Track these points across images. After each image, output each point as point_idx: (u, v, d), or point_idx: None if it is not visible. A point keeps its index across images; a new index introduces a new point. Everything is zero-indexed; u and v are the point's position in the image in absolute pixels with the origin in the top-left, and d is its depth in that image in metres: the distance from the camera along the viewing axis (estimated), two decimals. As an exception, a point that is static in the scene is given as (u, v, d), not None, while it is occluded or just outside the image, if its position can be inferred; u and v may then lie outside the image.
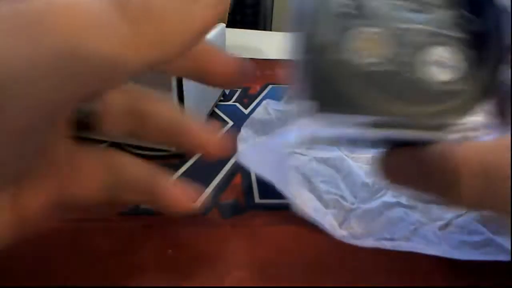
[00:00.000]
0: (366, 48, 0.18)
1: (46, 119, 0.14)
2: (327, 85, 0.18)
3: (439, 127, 0.18)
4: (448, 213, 0.24)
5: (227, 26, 0.37)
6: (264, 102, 0.33)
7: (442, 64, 0.19)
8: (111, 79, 0.14)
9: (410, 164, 0.19)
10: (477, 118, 0.19)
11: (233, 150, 0.27)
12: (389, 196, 0.25)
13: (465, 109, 0.18)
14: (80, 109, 0.19)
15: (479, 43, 0.19)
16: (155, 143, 0.20)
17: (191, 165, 0.28)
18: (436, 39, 0.19)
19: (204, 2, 0.14)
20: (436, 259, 0.21)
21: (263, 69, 0.45)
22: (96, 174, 0.19)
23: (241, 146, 0.27)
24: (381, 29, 0.18)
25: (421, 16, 0.19)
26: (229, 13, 0.47)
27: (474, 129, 0.18)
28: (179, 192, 0.19)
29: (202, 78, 0.20)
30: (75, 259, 0.20)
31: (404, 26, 0.19)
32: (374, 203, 0.25)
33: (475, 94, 0.18)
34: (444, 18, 0.19)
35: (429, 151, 0.18)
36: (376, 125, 0.18)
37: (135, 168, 0.19)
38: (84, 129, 0.19)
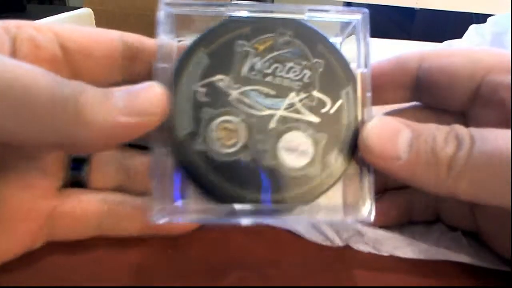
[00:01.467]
0: (223, 137, 0.19)
1: None
2: (188, 176, 0.19)
3: (293, 210, 0.19)
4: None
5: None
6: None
7: (295, 149, 0.19)
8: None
9: None
10: (335, 200, 0.20)
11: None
12: None
13: (315, 193, 0.19)
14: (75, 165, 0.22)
15: (329, 124, 0.19)
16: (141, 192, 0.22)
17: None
18: (289, 124, 0.19)
19: (128, 111, 0.16)
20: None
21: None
22: (91, 209, 0.21)
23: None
24: (238, 117, 0.19)
25: (276, 101, 0.19)
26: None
27: (332, 210, 0.19)
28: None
29: None
30: (73, 259, 0.20)
31: (260, 113, 0.19)
32: None
33: (325, 178, 0.19)
34: (298, 102, 0.19)
35: None
36: (238, 213, 0.18)
37: (126, 205, 0.21)
38: (76, 181, 0.21)
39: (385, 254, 0.22)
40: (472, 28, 0.38)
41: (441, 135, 0.17)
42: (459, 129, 0.17)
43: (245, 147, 0.19)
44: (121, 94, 0.17)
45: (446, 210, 0.23)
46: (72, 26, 0.20)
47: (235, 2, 0.20)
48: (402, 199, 0.23)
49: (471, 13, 0.90)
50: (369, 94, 0.20)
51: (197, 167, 0.18)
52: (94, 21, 0.53)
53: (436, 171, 0.17)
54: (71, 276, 0.19)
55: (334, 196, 0.20)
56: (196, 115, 0.19)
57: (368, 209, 0.19)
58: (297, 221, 0.20)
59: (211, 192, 0.18)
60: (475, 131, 0.17)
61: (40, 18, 0.44)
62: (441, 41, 0.40)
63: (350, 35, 0.21)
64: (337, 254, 0.22)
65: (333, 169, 0.19)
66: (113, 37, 0.20)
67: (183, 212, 0.19)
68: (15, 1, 0.61)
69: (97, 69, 0.20)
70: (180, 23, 0.20)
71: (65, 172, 0.21)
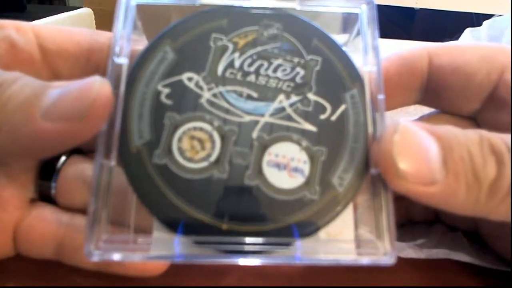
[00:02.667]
0: (191, 149, 0.15)
1: None
2: (141, 197, 0.15)
3: (283, 245, 0.15)
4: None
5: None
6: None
7: (285, 166, 0.15)
8: None
9: None
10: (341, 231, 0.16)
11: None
12: None
13: (313, 224, 0.15)
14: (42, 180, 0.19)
15: (330, 134, 0.15)
16: None
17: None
18: (278, 134, 0.15)
19: (54, 114, 0.14)
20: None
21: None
22: (48, 231, 0.18)
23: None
24: (210, 125, 0.15)
25: (260, 105, 0.16)
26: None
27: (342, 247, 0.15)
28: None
29: None
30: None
31: (239, 119, 0.15)
32: None
33: (326, 205, 0.15)
34: (288, 107, 0.16)
35: None
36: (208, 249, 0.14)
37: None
38: (44, 195, 0.20)
39: None
40: (468, 31, 0.38)
41: (475, 148, 0.15)
42: (491, 138, 0.15)
43: (218, 161, 0.15)
44: (55, 92, 0.14)
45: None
46: (56, 28, 0.19)
47: None
48: (402, 199, 0.23)
49: (471, 13, 0.90)
50: (381, 97, 0.16)
51: (154, 186, 0.14)
52: (94, 21, 0.53)
53: (476, 195, 0.14)
54: (72, 276, 0.19)
55: (341, 229, 0.16)
56: (157, 121, 0.15)
57: (387, 248, 0.15)
58: (290, 261, 0.15)
59: (172, 219, 0.14)
60: (509, 140, 0.15)
61: (40, 18, 0.44)
62: (441, 41, 0.40)
63: (358, 33, 0.17)
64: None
65: (337, 193, 0.15)
66: (99, 42, 0.19)
67: (130, 246, 0.15)
68: (15, 1, 0.61)
69: (77, 72, 0.19)
70: (153, 18, 0.17)
71: (36, 184, 0.20)
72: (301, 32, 0.16)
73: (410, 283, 0.20)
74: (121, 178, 0.15)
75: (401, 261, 0.21)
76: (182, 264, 0.19)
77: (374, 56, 0.16)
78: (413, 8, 1.04)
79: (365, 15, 0.17)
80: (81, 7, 0.53)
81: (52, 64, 0.19)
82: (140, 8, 0.17)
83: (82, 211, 0.19)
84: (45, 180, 0.19)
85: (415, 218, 0.23)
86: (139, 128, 0.15)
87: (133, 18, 0.16)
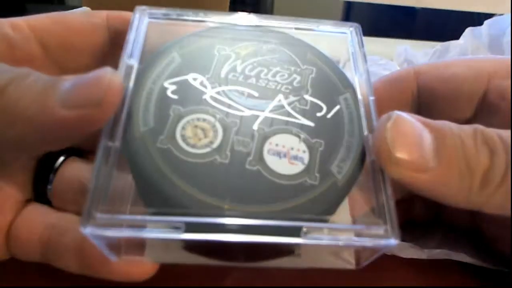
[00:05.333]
0: (194, 136, 0.16)
1: None
2: (143, 179, 0.15)
3: (291, 229, 0.14)
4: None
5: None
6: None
7: (285, 154, 0.16)
8: None
9: None
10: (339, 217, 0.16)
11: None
12: None
13: (316, 207, 0.15)
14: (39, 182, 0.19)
15: (327, 129, 0.17)
16: None
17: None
18: (277, 127, 0.16)
19: (71, 102, 0.14)
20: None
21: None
22: (34, 234, 0.18)
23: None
24: (213, 117, 0.16)
25: (260, 103, 0.17)
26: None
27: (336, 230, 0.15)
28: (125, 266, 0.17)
29: None
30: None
31: (240, 113, 0.16)
32: None
33: (327, 190, 0.15)
34: (287, 105, 0.17)
35: None
36: (200, 229, 0.14)
37: (69, 236, 0.18)
38: (41, 195, 0.19)
39: (388, 253, 0.22)
40: (468, 30, 0.38)
41: (468, 138, 0.15)
42: (485, 130, 0.15)
43: (221, 148, 0.15)
44: (68, 83, 0.15)
45: (447, 209, 0.23)
46: (50, 17, 0.19)
47: (216, 12, 0.19)
48: (403, 200, 0.23)
49: (472, 13, 0.90)
50: (372, 98, 0.17)
51: (156, 167, 0.15)
52: (94, 21, 0.53)
53: (469, 184, 0.14)
54: (72, 276, 0.19)
55: (340, 213, 0.16)
56: (162, 112, 0.16)
57: (389, 230, 0.15)
58: (293, 242, 0.15)
59: (173, 200, 0.15)
60: (503, 133, 0.15)
61: (40, 18, 0.44)
62: (442, 40, 0.40)
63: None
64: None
65: (336, 179, 0.16)
66: (96, 24, 0.19)
67: (124, 224, 0.14)
68: (15, 1, 0.60)
69: (83, 61, 0.19)
70: (160, 34, 0.18)
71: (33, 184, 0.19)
72: (296, 47, 0.18)
73: (411, 283, 0.20)
74: (121, 165, 0.15)
75: (401, 261, 0.21)
76: (182, 264, 0.19)
77: (363, 65, 0.18)
78: (414, 7, 1.04)
79: (353, 35, 0.19)
80: (80, 7, 0.53)
81: (56, 59, 0.19)
82: (151, 24, 0.18)
83: (74, 211, 0.18)
84: (41, 180, 0.19)
85: (415, 218, 0.23)
86: (144, 117, 0.16)
87: (145, 29, 0.18)
